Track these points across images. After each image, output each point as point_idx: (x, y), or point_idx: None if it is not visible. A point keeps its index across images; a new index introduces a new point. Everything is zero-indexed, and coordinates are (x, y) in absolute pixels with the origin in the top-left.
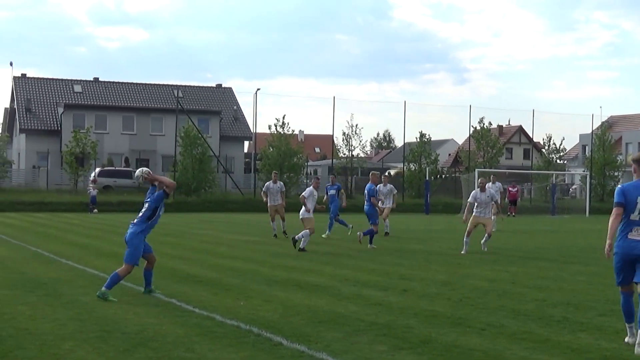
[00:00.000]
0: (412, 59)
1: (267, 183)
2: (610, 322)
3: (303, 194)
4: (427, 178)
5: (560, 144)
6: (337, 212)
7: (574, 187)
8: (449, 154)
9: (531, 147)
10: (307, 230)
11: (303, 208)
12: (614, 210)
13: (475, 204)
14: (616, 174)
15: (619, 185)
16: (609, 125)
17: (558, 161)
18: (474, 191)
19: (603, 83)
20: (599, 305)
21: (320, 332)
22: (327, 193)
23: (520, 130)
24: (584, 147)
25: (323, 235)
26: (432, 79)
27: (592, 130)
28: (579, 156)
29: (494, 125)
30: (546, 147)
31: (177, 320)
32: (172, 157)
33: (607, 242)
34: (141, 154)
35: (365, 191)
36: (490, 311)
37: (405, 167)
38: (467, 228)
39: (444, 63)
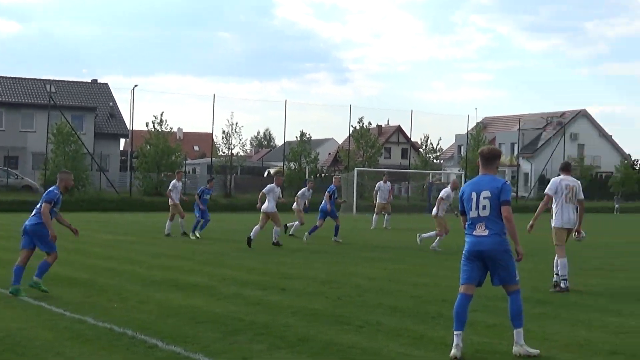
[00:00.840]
0: (294, 58)
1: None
2: (482, 317)
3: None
4: (306, 177)
5: (437, 144)
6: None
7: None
8: (329, 153)
9: (409, 146)
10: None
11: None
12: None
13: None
14: None
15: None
16: (483, 126)
17: (435, 161)
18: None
19: (479, 85)
20: (472, 301)
21: (198, 332)
22: (200, 197)
23: (399, 130)
24: (459, 147)
25: (193, 236)
26: (314, 78)
27: (468, 131)
28: (454, 156)
29: (374, 125)
30: (423, 147)
31: (46, 324)
32: (43, 155)
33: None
34: (10, 151)
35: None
36: (369, 309)
37: (285, 166)
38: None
39: (325, 62)
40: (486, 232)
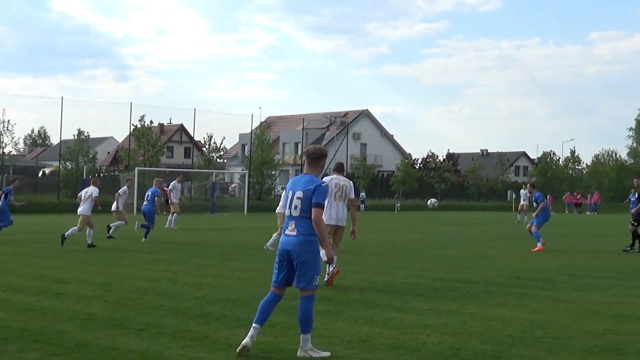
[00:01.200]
0: (72, 54)
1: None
2: None
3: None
4: (84, 177)
5: (221, 143)
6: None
7: (233, 185)
8: (108, 152)
9: (192, 145)
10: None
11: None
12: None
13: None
14: (273, 172)
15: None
16: (267, 125)
17: (218, 160)
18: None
19: (263, 84)
20: (256, 301)
21: None
22: (7, 197)
23: (182, 129)
24: (243, 146)
25: None
26: (93, 74)
27: (252, 130)
28: (238, 155)
29: (155, 124)
30: (207, 146)
31: None
32: None
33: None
34: None
35: (150, 192)
36: (150, 311)
37: (61, 166)
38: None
39: (105, 59)
40: (295, 232)
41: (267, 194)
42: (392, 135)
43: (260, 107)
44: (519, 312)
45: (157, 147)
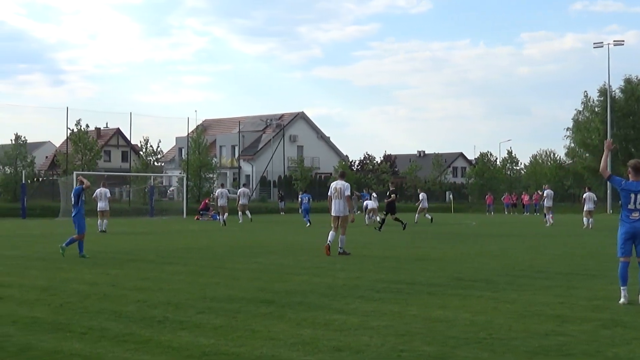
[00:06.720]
0: (6, 59)
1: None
2: (208, 319)
3: None
4: (23, 181)
5: (158, 147)
6: None
7: (171, 189)
8: (47, 157)
9: (129, 149)
10: None
11: None
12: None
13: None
14: (211, 175)
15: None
16: (203, 128)
17: (155, 163)
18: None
19: (197, 88)
20: (197, 304)
21: None
22: None
23: (118, 132)
24: (180, 149)
25: None
26: (27, 80)
27: (188, 133)
28: (175, 158)
29: (92, 128)
30: (144, 150)
31: None
32: None
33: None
34: None
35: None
36: (92, 315)
37: None
38: None
39: (39, 64)
40: (638, 217)
41: (205, 197)
42: (329, 137)
43: (196, 111)
44: (461, 314)
45: (94, 151)
